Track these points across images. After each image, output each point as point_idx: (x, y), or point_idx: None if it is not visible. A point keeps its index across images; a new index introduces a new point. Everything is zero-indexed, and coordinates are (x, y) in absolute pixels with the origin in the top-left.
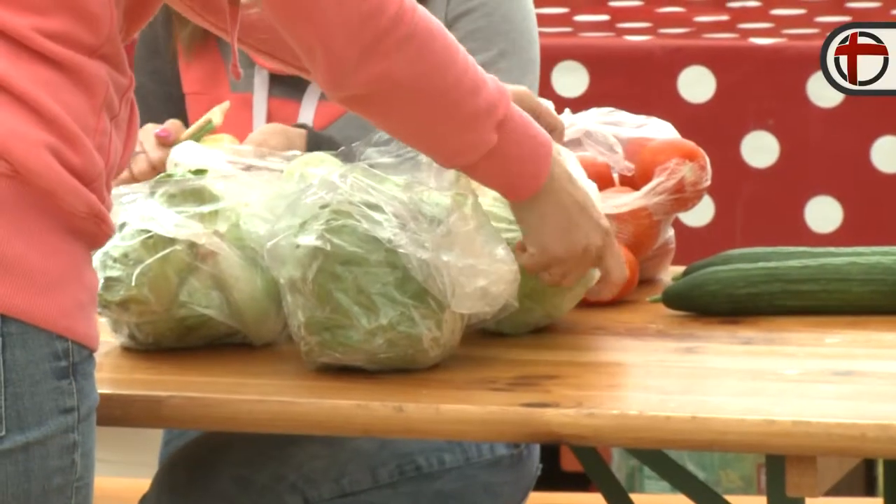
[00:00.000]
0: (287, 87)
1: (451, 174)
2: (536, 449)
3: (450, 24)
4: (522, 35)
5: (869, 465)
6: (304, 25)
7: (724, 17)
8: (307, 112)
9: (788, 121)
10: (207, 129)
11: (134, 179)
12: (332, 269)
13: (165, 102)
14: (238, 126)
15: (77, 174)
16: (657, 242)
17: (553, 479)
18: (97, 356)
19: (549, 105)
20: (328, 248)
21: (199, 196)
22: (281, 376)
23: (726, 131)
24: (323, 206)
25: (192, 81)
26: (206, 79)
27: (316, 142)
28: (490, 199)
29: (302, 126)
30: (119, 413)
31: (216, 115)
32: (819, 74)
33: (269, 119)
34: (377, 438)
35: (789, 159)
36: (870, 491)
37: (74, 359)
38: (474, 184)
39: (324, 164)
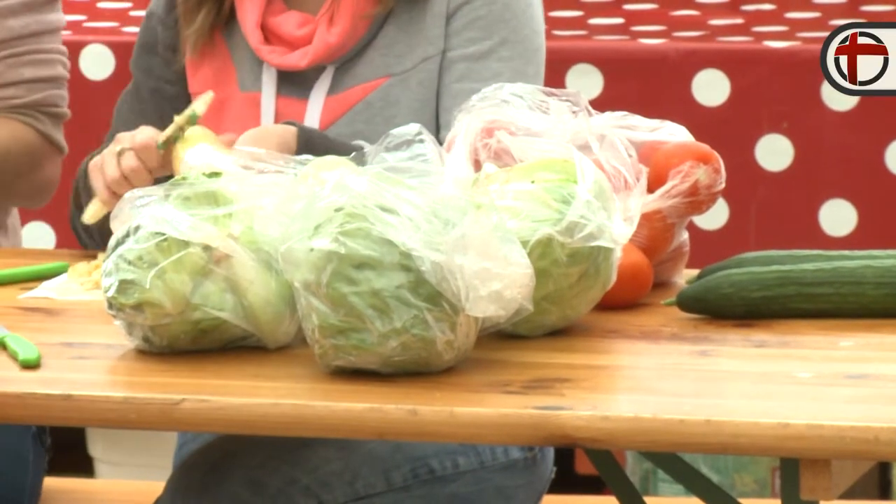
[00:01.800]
0: (294, 85)
1: (466, 176)
2: (550, 452)
3: (452, 13)
4: (524, 24)
5: (883, 468)
6: None
7: (739, 21)
8: (314, 109)
9: (803, 124)
10: (192, 121)
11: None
12: (346, 273)
13: (153, 95)
14: (246, 125)
15: None
16: (671, 245)
17: (567, 482)
18: (112, 359)
19: None
20: (342, 251)
21: (213, 199)
22: (295, 379)
23: (740, 134)
24: (337, 210)
25: (200, 81)
26: (214, 78)
27: (306, 137)
28: (511, 197)
29: (290, 123)
30: (134, 416)
31: (199, 106)
32: None
33: (278, 118)
34: (391, 442)
35: (803, 162)
36: (884, 494)
37: None
38: (491, 186)
39: (337, 167)
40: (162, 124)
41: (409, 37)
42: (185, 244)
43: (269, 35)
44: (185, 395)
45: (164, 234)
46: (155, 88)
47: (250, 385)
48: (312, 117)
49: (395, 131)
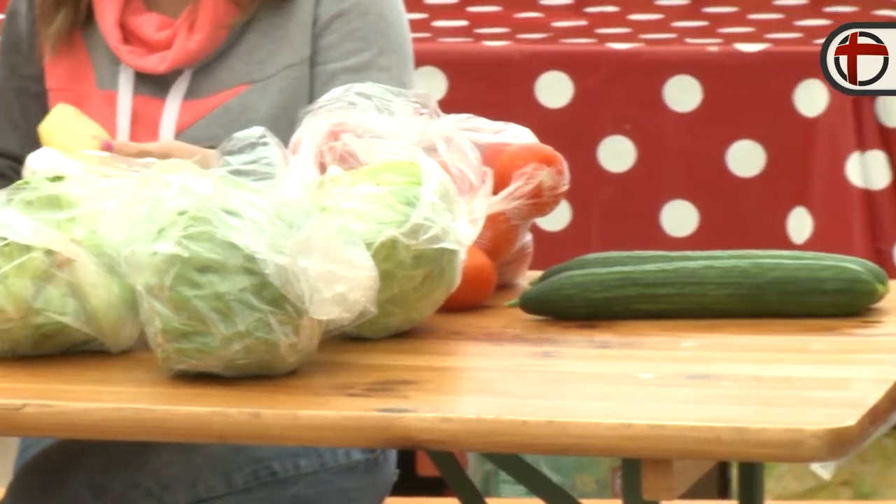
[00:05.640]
0: (151, 85)
1: (311, 179)
2: (393, 454)
3: (325, 25)
4: (398, 32)
5: (722, 467)
6: None
7: (582, 23)
8: (171, 111)
9: (645, 125)
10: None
11: None
12: (189, 276)
13: (18, 95)
14: (102, 123)
15: None
16: (515, 247)
17: (409, 484)
18: None
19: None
20: (186, 254)
21: (56, 203)
22: (138, 384)
23: (584, 136)
24: (181, 213)
25: (56, 77)
26: (71, 75)
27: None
28: (356, 199)
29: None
30: None
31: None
32: (675, 79)
33: (135, 117)
34: (233, 444)
35: (646, 164)
36: (723, 493)
37: None
38: (337, 188)
39: (181, 170)
40: (25, 122)
41: (271, 43)
42: (28, 249)
43: (128, 35)
44: (27, 399)
45: (6, 239)
46: (19, 88)
47: (93, 389)
48: (169, 119)
49: (238, 134)
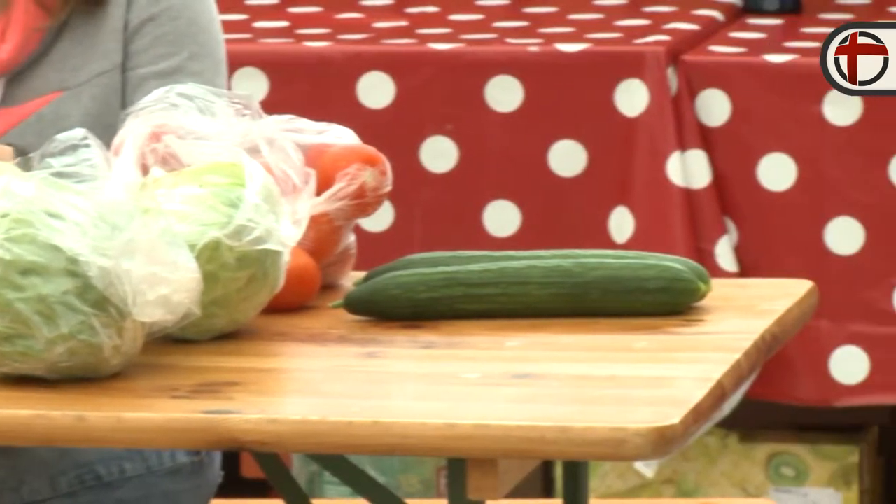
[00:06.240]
0: None
1: (134, 181)
2: (218, 456)
3: (135, 30)
4: (210, 37)
5: (547, 466)
6: None
7: (403, 23)
8: None
9: (467, 126)
10: None
11: None
12: (11, 279)
13: None
14: None
15: None
16: (338, 248)
17: (233, 486)
18: None
19: None
20: (8, 257)
21: None
22: None
23: (406, 136)
24: (3, 215)
25: None
26: None
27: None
28: (179, 201)
29: (9, 144)
30: None
31: None
32: (496, 79)
33: None
34: (58, 447)
35: (468, 164)
36: (548, 492)
37: None
38: (159, 189)
39: (3, 173)
40: None
41: (84, 51)
42: None
43: None
44: None
45: None
46: None
47: None
48: None
49: (60, 136)
